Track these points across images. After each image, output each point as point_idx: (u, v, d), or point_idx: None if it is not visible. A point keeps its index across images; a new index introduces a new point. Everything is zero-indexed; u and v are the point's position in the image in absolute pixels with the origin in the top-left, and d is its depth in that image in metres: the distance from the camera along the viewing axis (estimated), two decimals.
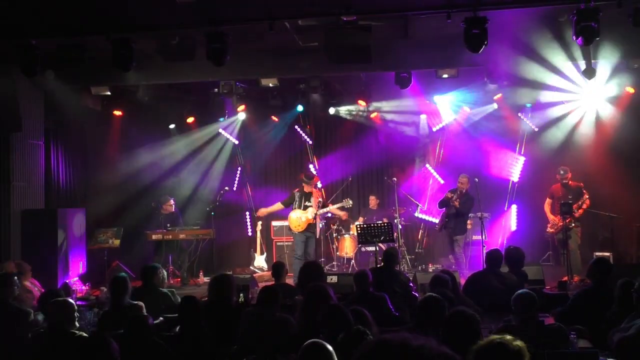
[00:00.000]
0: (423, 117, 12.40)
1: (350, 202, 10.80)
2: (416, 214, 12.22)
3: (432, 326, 4.27)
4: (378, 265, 8.58)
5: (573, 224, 9.76)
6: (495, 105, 11.87)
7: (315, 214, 10.27)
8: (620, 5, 7.08)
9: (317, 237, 10.53)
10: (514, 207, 12.08)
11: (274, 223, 12.18)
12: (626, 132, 11.10)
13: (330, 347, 3.29)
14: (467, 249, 10.79)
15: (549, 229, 10.21)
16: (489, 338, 2.70)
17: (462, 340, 3.68)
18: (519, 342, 2.66)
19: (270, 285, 5.99)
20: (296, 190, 10.60)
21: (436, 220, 11.91)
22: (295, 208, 10.41)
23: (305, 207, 10.33)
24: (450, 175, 11.67)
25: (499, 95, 11.26)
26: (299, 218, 10.31)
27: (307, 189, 10.46)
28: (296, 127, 12.83)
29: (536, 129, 11.92)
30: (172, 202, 11.36)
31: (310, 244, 10.42)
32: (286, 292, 6.53)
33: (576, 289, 7.55)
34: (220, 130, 12.67)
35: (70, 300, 5.25)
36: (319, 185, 11.39)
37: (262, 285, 7.18)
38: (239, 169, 12.87)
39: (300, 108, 12.00)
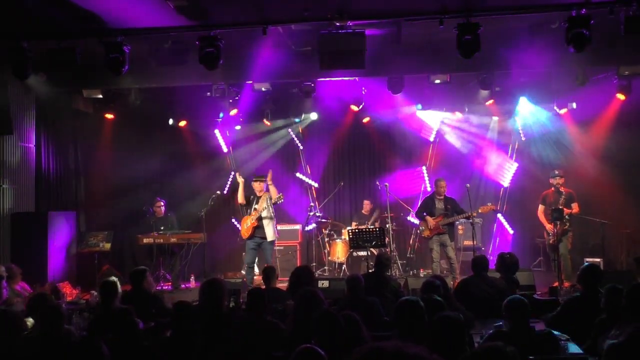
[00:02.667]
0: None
1: (282, 197, 9.88)
2: (409, 218, 12.22)
3: (411, 330, 4.24)
4: (369, 271, 8.57)
5: (569, 230, 9.73)
6: (496, 118, 11.97)
7: (260, 216, 9.69)
8: (612, 13, 7.14)
9: (271, 240, 9.85)
10: (499, 216, 12.12)
11: None
12: (616, 139, 11.17)
13: (322, 353, 3.28)
14: (458, 254, 10.80)
15: (551, 240, 9.72)
16: (484, 344, 2.71)
17: (449, 345, 3.68)
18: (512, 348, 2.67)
19: (256, 288, 5.91)
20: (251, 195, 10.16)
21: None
22: (246, 213, 10.00)
23: (251, 212, 9.87)
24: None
25: (490, 101, 11.31)
26: (245, 224, 9.89)
27: (257, 190, 9.93)
28: (289, 130, 12.84)
29: (524, 139, 11.99)
30: (160, 203, 11.31)
31: (266, 250, 9.87)
32: (277, 297, 6.52)
33: (567, 295, 7.58)
34: (216, 132, 12.67)
35: (60, 304, 5.21)
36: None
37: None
38: (232, 173, 12.82)
39: (297, 119, 12.01)
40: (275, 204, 9.82)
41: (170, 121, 12.08)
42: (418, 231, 11.06)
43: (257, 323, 5.01)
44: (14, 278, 7.66)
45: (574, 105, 11.32)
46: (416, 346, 1.55)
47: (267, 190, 9.86)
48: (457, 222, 10.72)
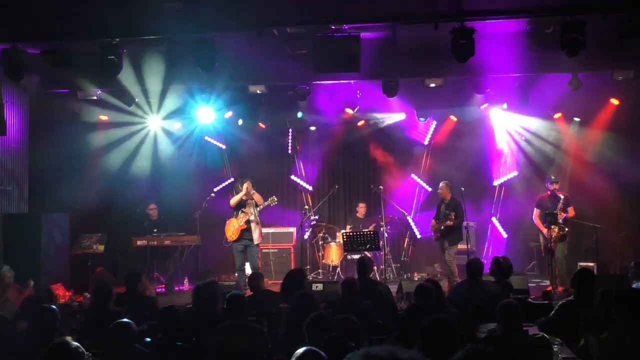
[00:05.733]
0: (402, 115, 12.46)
1: (275, 198, 10.22)
2: (408, 219, 12.23)
3: (416, 336, 4.25)
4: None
5: (567, 235, 9.75)
6: (491, 120, 11.99)
7: (248, 219, 9.81)
8: (606, 18, 7.17)
9: (257, 244, 9.96)
10: (494, 219, 12.14)
11: None
12: (610, 143, 11.21)
13: (325, 355, 3.26)
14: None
15: (548, 244, 9.60)
16: (468, 347, 2.72)
17: (440, 346, 3.68)
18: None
19: (235, 293, 5.73)
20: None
21: (418, 232, 11.96)
22: (232, 216, 10.06)
23: (238, 214, 9.94)
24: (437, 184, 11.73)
25: (485, 105, 11.34)
26: (232, 226, 9.95)
27: (244, 196, 10.00)
28: (285, 132, 12.83)
29: (523, 138, 12.00)
30: (153, 206, 11.28)
31: (251, 253, 9.94)
32: (270, 300, 6.52)
33: (560, 299, 7.59)
34: (207, 138, 12.69)
35: (53, 307, 5.19)
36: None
37: (248, 293, 7.16)
38: (232, 179, 12.78)
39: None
40: (266, 207, 9.99)
41: (152, 121, 12.07)
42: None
43: (238, 329, 4.94)
44: (6, 280, 7.64)
45: (577, 119, 11.55)
46: (410, 351, 1.55)
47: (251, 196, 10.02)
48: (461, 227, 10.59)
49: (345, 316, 4.49)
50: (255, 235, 9.89)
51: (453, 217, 9.93)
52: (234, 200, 10.04)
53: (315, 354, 3.26)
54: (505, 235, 12.04)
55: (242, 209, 9.95)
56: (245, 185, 9.98)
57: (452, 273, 10.00)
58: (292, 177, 12.95)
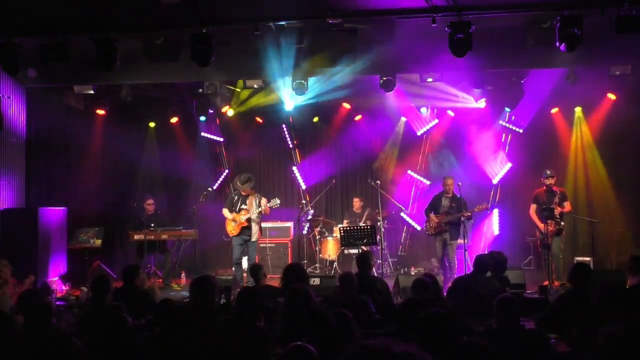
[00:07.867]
0: (403, 120, 12.49)
1: (278, 201, 10.30)
2: (402, 215, 12.23)
3: (412, 329, 4.25)
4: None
5: (563, 229, 9.75)
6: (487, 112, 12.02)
7: (249, 217, 9.91)
8: (604, 13, 7.17)
9: (255, 240, 10.11)
10: (495, 212, 12.14)
11: None
12: (607, 138, 11.23)
13: (313, 350, 3.28)
14: None
15: (545, 239, 9.55)
16: (464, 340, 2.73)
17: (436, 340, 3.69)
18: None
19: (247, 288, 5.78)
20: (233, 192, 10.24)
21: (417, 225, 11.94)
22: (231, 211, 10.14)
23: (240, 210, 10.02)
24: (435, 179, 11.75)
25: (483, 100, 11.33)
26: (232, 220, 10.06)
27: (243, 191, 10.11)
28: (284, 126, 12.82)
29: (520, 130, 11.97)
30: (150, 201, 11.27)
31: (251, 248, 10.11)
32: (268, 295, 6.51)
33: (557, 294, 7.61)
34: (204, 134, 12.69)
35: (49, 301, 5.19)
36: None
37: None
38: (226, 171, 12.80)
39: (289, 106, 11.81)
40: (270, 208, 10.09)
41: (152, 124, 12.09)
42: (425, 228, 10.89)
43: (246, 329, 4.93)
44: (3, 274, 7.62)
45: (578, 109, 11.50)
46: (405, 344, 1.56)
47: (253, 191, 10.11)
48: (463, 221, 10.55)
49: (338, 311, 4.49)
50: (255, 232, 10.03)
51: (470, 212, 9.89)
52: (225, 214, 10.20)
53: (303, 351, 3.26)
54: (496, 232, 12.04)
55: (243, 206, 10.02)
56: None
57: (453, 269, 9.98)
58: (294, 168, 12.92)
